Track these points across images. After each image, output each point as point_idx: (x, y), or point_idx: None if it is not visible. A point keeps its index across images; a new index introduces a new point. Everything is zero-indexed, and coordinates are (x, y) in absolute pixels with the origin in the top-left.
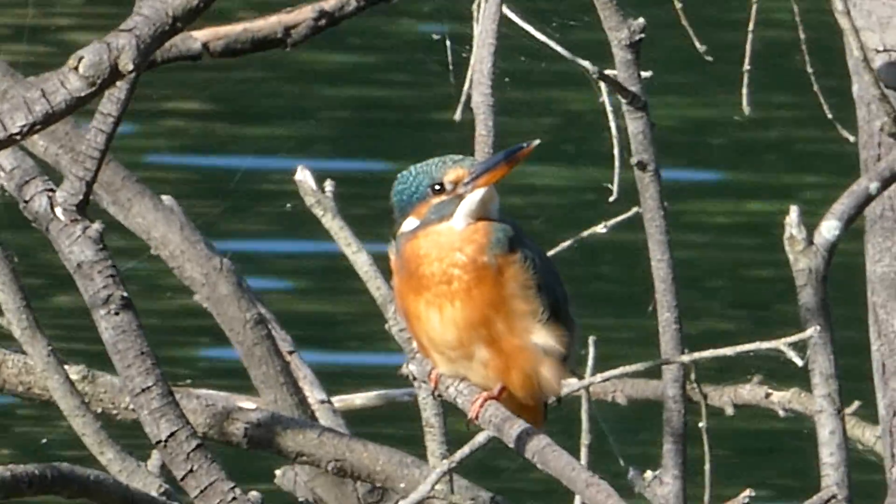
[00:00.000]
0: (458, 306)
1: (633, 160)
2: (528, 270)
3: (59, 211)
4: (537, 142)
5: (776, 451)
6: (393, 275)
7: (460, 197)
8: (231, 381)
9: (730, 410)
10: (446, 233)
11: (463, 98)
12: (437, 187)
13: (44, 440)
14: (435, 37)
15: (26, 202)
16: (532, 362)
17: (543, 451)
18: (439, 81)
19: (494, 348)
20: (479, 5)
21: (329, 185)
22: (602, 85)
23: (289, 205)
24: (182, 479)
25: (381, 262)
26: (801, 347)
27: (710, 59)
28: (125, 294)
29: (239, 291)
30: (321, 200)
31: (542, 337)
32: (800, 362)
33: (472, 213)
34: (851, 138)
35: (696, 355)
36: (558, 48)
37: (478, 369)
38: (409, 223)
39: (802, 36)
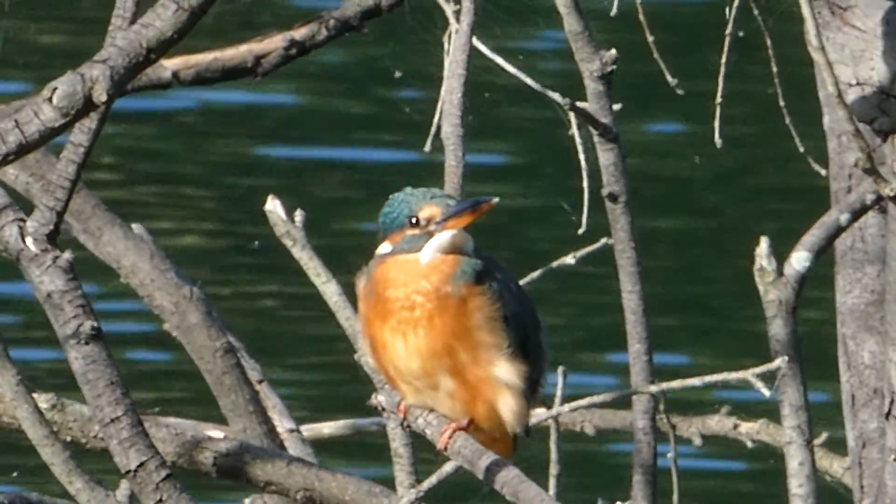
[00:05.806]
0: (420, 334)
1: (605, 192)
2: (494, 303)
3: (29, 241)
4: (497, 199)
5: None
6: (360, 301)
7: (430, 234)
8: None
9: (698, 441)
10: (414, 261)
11: (433, 129)
12: (413, 220)
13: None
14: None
15: None
16: (494, 395)
17: (513, 482)
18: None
19: (459, 379)
20: (449, 36)
21: (299, 216)
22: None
23: (256, 242)
24: None
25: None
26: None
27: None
28: (95, 324)
29: (209, 320)
30: (291, 231)
31: (505, 371)
32: (767, 393)
33: (441, 250)
34: (823, 172)
35: (665, 385)
36: (528, 80)
37: (444, 400)
38: (384, 248)
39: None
